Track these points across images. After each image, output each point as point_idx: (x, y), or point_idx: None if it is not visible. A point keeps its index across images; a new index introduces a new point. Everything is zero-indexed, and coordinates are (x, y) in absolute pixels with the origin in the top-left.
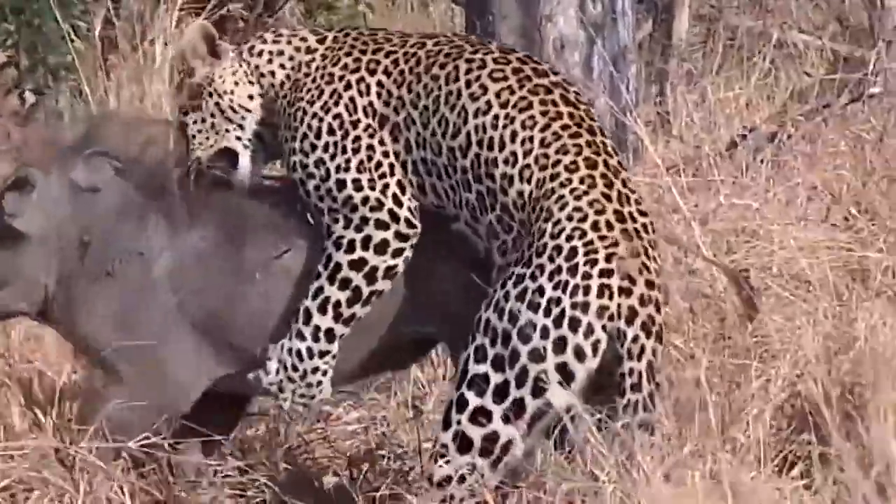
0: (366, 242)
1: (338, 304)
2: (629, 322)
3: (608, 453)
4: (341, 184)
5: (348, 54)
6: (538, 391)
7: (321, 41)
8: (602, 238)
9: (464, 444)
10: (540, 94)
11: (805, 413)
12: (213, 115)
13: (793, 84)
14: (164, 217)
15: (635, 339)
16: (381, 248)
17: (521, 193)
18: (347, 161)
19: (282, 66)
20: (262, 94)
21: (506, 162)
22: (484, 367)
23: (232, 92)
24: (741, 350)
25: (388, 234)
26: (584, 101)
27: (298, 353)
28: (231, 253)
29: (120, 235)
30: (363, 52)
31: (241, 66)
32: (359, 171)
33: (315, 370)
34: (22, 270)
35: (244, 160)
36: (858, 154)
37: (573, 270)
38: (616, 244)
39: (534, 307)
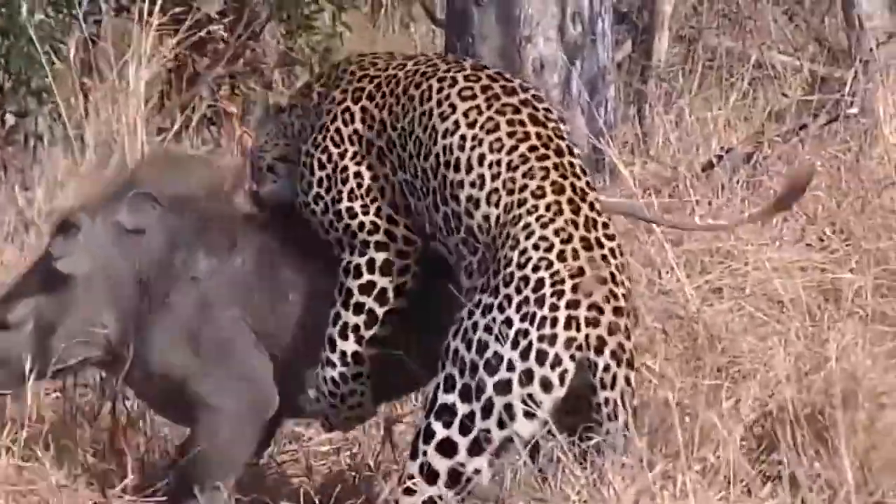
0: (370, 265)
1: (356, 328)
2: (598, 352)
3: (579, 474)
4: (338, 215)
5: (337, 86)
6: (504, 423)
7: (318, 78)
8: (568, 268)
9: (430, 474)
10: (507, 114)
11: (775, 433)
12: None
13: (771, 105)
14: (209, 244)
15: (606, 368)
16: (386, 268)
17: (486, 217)
18: (339, 192)
19: (298, 116)
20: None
21: (472, 185)
22: (452, 398)
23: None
24: (712, 370)
25: (390, 254)
26: (553, 117)
27: (333, 380)
28: (269, 274)
29: (172, 268)
30: (349, 82)
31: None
32: (350, 199)
33: (353, 392)
34: (70, 313)
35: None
36: (834, 174)
37: (540, 302)
38: (582, 273)
39: (501, 339)
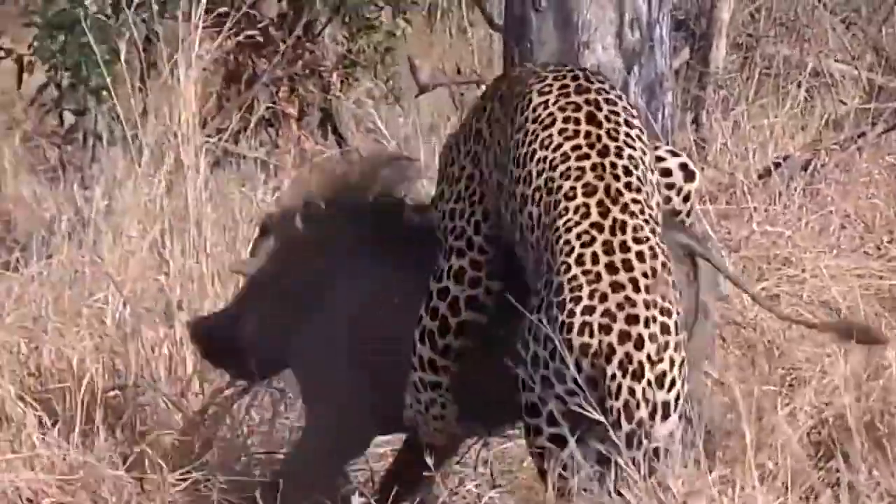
0: (449, 271)
1: (431, 333)
2: (608, 360)
3: (637, 477)
4: (443, 215)
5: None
6: (554, 421)
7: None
8: (586, 273)
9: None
10: (567, 111)
11: (833, 440)
12: None
13: (827, 113)
14: (374, 256)
15: (612, 377)
16: (459, 276)
17: (531, 216)
18: (452, 192)
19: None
20: None
21: (524, 181)
22: (527, 395)
23: None
24: (770, 377)
25: (465, 262)
26: (617, 118)
27: (415, 384)
28: (410, 283)
29: (325, 273)
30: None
31: None
32: (456, 201)
33: (433, 402)
34: (258, 317)
35: None
36: (892, 183)
37: (561, 306)
38: (599, 279)
39: (537, 341)
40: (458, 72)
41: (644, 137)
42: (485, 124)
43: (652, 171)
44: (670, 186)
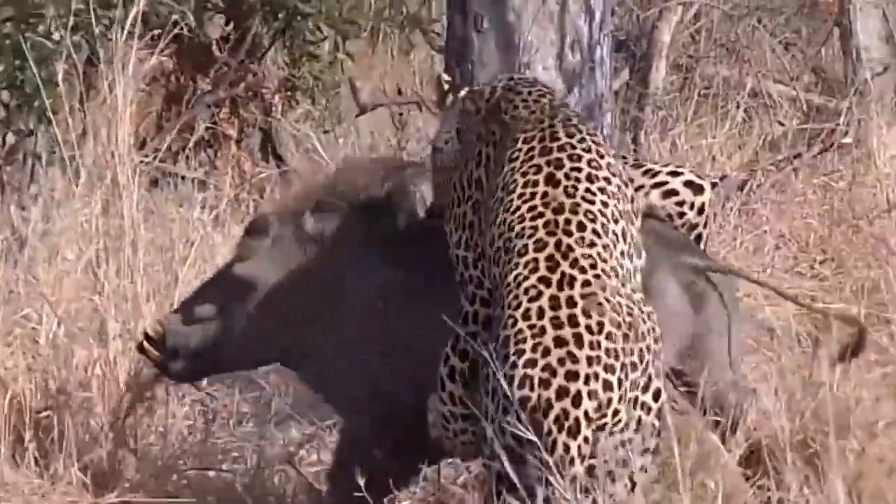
0: (475, 316)
1: (463, 373)
2: (545, 415)
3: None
4: (457, 259)
5: (485, 121)
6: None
7: (489, 100)
8: (531, 327)
9: None
10: (528, 175)
11: (767, 460)
12: (435, 172)
13: (765, 133)
14: (382, 255)
15: (549, 432)
16: (488, 323)
17: (495, 276)
18: (460, 237)
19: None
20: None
21: (491, 244)
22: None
23: (443, 150)
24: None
25: (490, 311)
26: (577, 174)
27: (444, 416)
28: (420, 289)
29: (337, 275)
30: (489, 113)
31: (456, 124)
32: (466, 248)
33: (464, 431)
34: (251, 316)
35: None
36: (827, 203)
37: (506, 359)
38: (544, 333)
39: (487, 393)
40: (400, 92)
41: (611, 187)
42: (483, 172)
43: (617, 221)
44: (681, 204)
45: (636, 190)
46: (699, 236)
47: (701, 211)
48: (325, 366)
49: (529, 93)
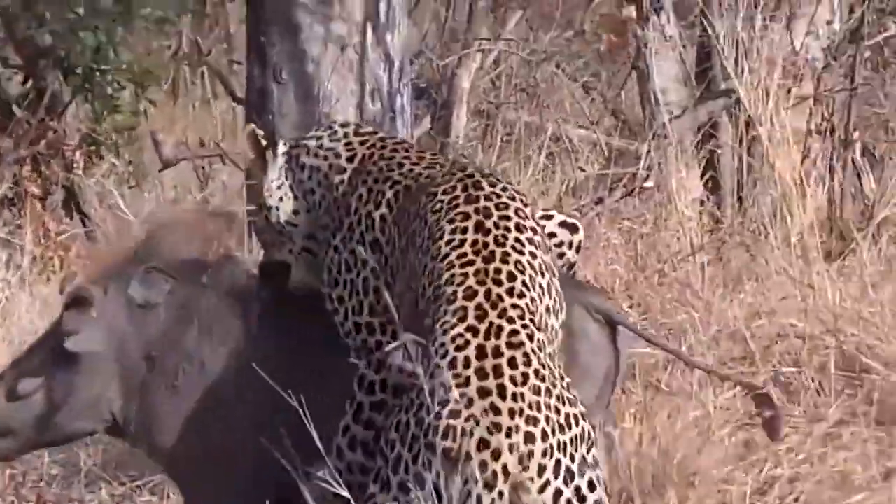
0: (383, 385)
1: (365, 443)
2: (464, 467)
3: None
4: (356, 327)
5: (364, 182)
6: None
7: (351, 158)
8: (456, 376)
9: None
10: (455, 222)
11: None
12: (266, 229)
13: (568, 178)
14: (221, 326)
15: (465, 482)
16: (397, 390)
17: (424, 326)
18: (360, 303)
19: (319, 184)
20: (308, 210)
21: (420, 293)
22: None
23: (278, 208)
24: None
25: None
26: (507, 223)
27: (349, 484)
28: (285, 361)
29: (181, 347)
30: (373, 176)
31: (286, 179)
32: (371, 314)
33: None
34: (78, 390)
35: (296, 273)
36: (631, 248)
37: (429, 409)
38: (468, 383)
39: (403, 443)
40: (202, 144)
41: (538, 237)
42: (380, 234)
43: (543, 274)
44: (560, 245)
45: None
46: (574, 275)
47: (578, 249)
48: (166, 436)
49: (395, 146)
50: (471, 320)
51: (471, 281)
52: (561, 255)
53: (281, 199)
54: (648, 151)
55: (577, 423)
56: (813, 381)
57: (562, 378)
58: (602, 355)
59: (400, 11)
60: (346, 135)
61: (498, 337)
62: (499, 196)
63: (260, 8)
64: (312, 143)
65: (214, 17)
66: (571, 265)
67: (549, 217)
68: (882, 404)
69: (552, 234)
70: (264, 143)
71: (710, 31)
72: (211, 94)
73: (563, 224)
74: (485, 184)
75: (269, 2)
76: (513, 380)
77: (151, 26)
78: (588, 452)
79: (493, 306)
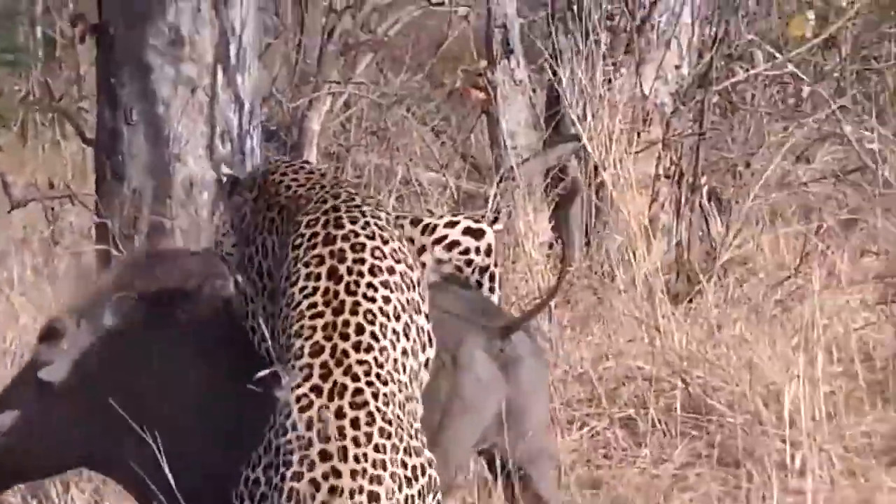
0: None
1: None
2: None
3: None
4: (267, 355)
5: (259, 210)
6: None
7: (252, 188)
8: (299, 438)
9: None
10: (310, 267)
11: None
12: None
13: None
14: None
15: None
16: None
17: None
18: (272, 330)
19: (241, 220)
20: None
21: (276, 339)
22: None
23: (223, 242)
24: None
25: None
26: (361, 267)
27: None
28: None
29: (152, 377)
30: (267, 202)
31: (227, 224)
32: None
33: None
34: (53, 421)
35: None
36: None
37: (276, 469)
38: (311, 445)
39: (251, 498)
40: (51, 186)
41: (395, 277)
42: (271, 261)
43: (399, 317)
44: (465, 252)
45: (419, 251)
46: (492, 276)
47: (488, 252)
48: (138, 466)
49: (298, 170)
50: (315, 379)
51: (318, 335)
52: (469, 263)
53: (224, 234)
54: (496, 195)
55: (423, 474)
56: (659, 423)
57: (410, 426)
58: (489, 390)
59: (251, 53)
60: (262, 171)
61: (342, 397)
62: (356, 235)
63: (110, 49)
64: (249, 179)
65: (65, 59)
66: (483, 269)
67: (454, 224)
68: (725, 446)
69: (456, 244)
70: (229, 181)
71: (554, 76)
72: (60, 136)
73: (467, 231)
74: (346, 220)
75: (120, 42)
76: (356, 441)
77: (1, 70)
78: (433, 499)
79: (339, 363)
